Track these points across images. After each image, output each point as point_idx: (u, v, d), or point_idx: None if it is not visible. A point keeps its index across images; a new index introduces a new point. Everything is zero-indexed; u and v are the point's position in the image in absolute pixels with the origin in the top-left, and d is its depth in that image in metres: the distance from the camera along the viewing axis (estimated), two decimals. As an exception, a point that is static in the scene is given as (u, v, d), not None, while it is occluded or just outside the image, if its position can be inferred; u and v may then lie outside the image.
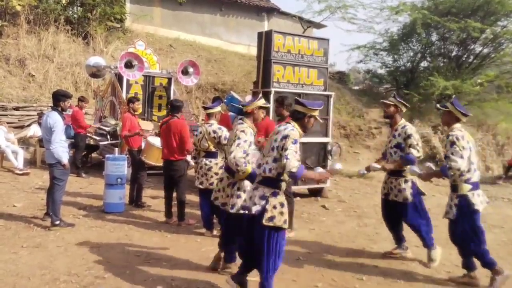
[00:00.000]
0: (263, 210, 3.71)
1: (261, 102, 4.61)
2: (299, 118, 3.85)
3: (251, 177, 4.18)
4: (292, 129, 3.76)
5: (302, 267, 5.01)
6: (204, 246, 5.51)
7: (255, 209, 3.73)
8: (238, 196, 4.28)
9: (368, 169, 5.44)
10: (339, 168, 4.15)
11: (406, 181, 5.17)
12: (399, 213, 5.25)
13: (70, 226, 5.95)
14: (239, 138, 4.27)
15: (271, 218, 3.70)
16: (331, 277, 4.77)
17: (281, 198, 3.79)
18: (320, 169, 4.33)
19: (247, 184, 4.34)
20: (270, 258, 3.74)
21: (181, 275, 4.56)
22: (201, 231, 6.09)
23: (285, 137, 3.69)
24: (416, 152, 5.08)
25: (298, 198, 8.08)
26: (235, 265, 4.52)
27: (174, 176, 6.41)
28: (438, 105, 4.84)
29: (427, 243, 5.21)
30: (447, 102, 4.70)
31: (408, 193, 5.12)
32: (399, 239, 5.50)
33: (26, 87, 13.52)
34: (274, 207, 3.72)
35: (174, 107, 6.51)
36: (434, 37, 18.74)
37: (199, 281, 4.43)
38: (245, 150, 4.23)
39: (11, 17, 14.96)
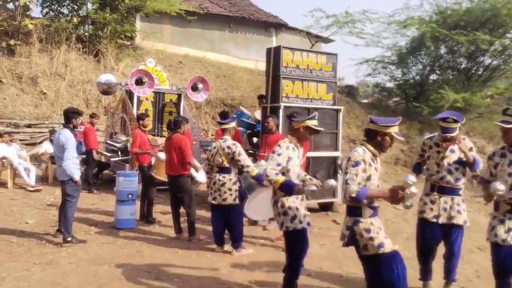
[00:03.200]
0: (355, 241, 3.58)
1: (312, 122, 4.33)
2: (371, 136, 3.65)
3: (283, 187, 4.09)
4: (355, 150, 3.63)
5: (314, 284, 4.97)
6: (215, 262, 5.49)
7: (344, 242, 3.66)
8: (285, 214, 4.22)
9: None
10: (332, 184, 4.11)
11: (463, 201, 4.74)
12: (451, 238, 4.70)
13: (82, 243, 5.98)
14: (273, 152, 4.22)
15: (365, 247, 3.54)
16: (341, 281, 4.71)
17: (365, 224, 3.55)
18: (332, 181, 4.18)
19: (291, 199, 4.25)
20: None
21: (193, 291, 4.55)
22: (212, 247, 6.07)
23: (348, 159, 3.59)
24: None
25: (308, 213, 8.02)
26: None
27: (176, 192, 6.45)
28: (499, 123, 4.14)
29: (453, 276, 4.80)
30: (507, 117, 4.16)
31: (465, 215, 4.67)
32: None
33: (38, 104, 13.71)
34: (361, 236, 3.54)
35: (175, 123, 6.63)
36: (442, 50, 18.72)
37: (210, 298, 4.41)
38: (278, 163, 4.11)
39: (24, 36, 15.25)
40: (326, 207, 8.67)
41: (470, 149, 4.62)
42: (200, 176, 7.23)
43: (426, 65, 19.46)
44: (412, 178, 3.51)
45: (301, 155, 4.44)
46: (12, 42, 14.75)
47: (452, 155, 4.68)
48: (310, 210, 8.38)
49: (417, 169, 5.17)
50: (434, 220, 4.68)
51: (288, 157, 4.17)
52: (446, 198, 4.68)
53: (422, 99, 18.34)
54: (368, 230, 3.52)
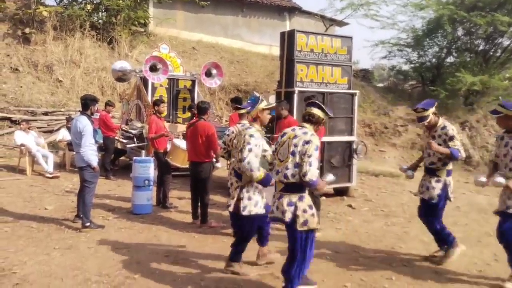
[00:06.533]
0: (294, 216, 3.74)
1: (263, 104, 4.58)
2: (317, 122, 3.87)
3: (265, 181, 4.25)
4: (312, 134, 3.74)
5: (330, 267, 4.99)
6: (231, 246, 5.53)
7: (287, 217, 3.75)
8: (249, 198, 4.41)
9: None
10: (331, 179, 4.09)
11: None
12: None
13: (100, 228, 6.07)
14: (249, 144, 4.24)
15: (305, 223, 3.75)
16: (359, 277, 4.73)
17: (308, 200, 3.82)
18: (330, 176, 4.15)
19: (256, 186, 4.45)
20: (301, 264, 3.86)
21: (210, 275, 4.61)
22: (227, 232, 6.12)
23: (308, 142, 3.67)
24: None
25: (323, 198, 8.04)
26: (239, 265, 4.69)
27: (199, 178, 6.46)
28: (490, 112, 4.73)
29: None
30: (497, 107, 4.61)
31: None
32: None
33: (54, 92, 13.87)
34: (304, 211, 3.76)
35: (200, 109, 6.54)
36: (460, 32, 18.37)
37: (227, 281, 4.46)
38: (257, 154, 4.25)
39: (39, 24, 15.37)
40: (341, 192, 8.65)
41: (451, 139, 4.89)
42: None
43: (443, 47, 19.14)
44: (330, 176, 4.05)
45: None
46: (27, 30, 14.89)
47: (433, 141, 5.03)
48: (326, 195, 8.41)
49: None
50: (419, 195, 5.29)
51: (261, 145, 4.37)
52: (426, 177, 5.19)
53: (439, 82, 18.08)
54: (311, 207, 3.82)
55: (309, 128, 3.80)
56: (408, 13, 18.50)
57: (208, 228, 6.34)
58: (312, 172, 3.61)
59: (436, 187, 5.03)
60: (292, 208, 3.75)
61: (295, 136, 3.76)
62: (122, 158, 11.01)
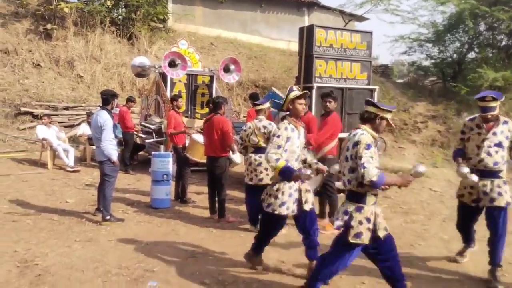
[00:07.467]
0: (348, 226, 3.53)
1: (292, 94, 4.32)
2: (370, 119, 3.60)
3: (282, 173, 4.08)
4: (362, 133, 3.50)
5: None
6: (249, 242, 5.51)
7: (337, 224, 3.60)
8: (276, 197, 4.23)
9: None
10: (422, 171, 3.63)
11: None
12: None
13: (120, 221, 6.15)
14: (273, 135, 4.21)
15: (358, 235, 3.50)
16: (377, 274, 4.67)
17: (367, 213, 3.52)
18: (421, 167, 3.77)
19: (288, 185, 4.23)
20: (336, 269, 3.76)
21: (228, 269, 4.63)
22: (245, 227, 6.14)
23: (356, 143, 3.46)
24: None
25: (341, 194, 7.98)
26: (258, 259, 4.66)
27: (215, 173, 6.49)
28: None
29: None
30: None
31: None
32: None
33: (75, 87, 14.06)
34: (360, 223, 3.50)
35: (216, 104, 6.58)
36: (482, 27, 17.98)
37: (245, 276, 4.47)
38: (279, 145, 4.11)
39: (60, 21, 15.58)
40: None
41: None
42: (237, 157, 7.26)
43: (464, 43, 18.75)
44: (422, 167, 3.57)
45: (302, 136, 4.37)
46: (48, 26, 15.11)
47: (494, 137, 4.52)
48: (343, 191, 8.34)
49: (458, 155, 4.80)
50: (473, 204, 4.63)
51: (287, 138, 4.15)
52: (485, 182, 4.52)
53: (460, 78, 17.74)
54: (368, 220, 3.52)
55: (363, 128, 3.57)
56: (428, 8, 18.15)
57: (226, 223, 6.37)
58: (368, 173, 3.33)
59: (507, 190, 4.52)
60: (347, 217, 3.54)
61: (348, 140, 3.60)
62: (141, 152, 11.12)
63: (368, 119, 3.59)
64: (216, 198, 6.55)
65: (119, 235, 5.64)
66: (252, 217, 6.07)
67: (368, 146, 3.41)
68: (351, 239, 3.51)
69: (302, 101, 4.32)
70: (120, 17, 16.96)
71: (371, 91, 8.34)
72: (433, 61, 19.85)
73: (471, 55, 19.17)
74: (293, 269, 4.63)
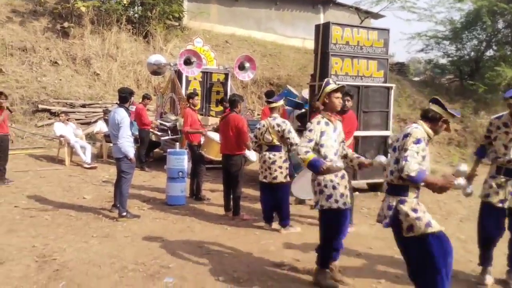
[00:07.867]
0: (398, 222, 3.38)
1: (329, 88, 4.12)
2: (434, 119, 3.45)
3: (311, 166, 3.95)
4: (416, 127, 3.39)
5: (363, 264, 4.93)
6: (263, 239, 5.56)
7: (384, 222, 3.47)
8: (321, 192, 4.06)
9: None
10: (463, 170, 3.50)
11: None
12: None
13: (136, 218, 6.21)
14: (306, 129, 4.13)
15: (410, 228, 3.34)
16: (394, 274, 4.65)
17: (411, 204, 3.36)
18: (382, 158, 3.91)
19: (329, 178, 4.04)
20: (431, 272, 3.34)
21: (242, 266, 4.63)
22: (259, 225, 6.14)
23: (406, 135, 3.33)
24: None
25: (357, 193, 7.95)
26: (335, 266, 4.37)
27: (231, 171, 6.50)
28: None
29: None
30: None
31: None
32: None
33: (91, 85, 14.22)
34: (407, 216, 3.34)
35: (231, 102, 6.59)
36: (500, 25, 17.72)
37: (260, 273, 4.47)
38: (310, 139, 4.00)
39: (77, 18, 15.76)
40: (375, 187, 8.53)
41: None
42: (252, 155, 7.27)
43: (482, 40, 18.49)
44: (464, 167, 3.39)
45: (339, 130, 4.24)
46: (66, 24, 15.29)
47: None
48: (359, 190, 8.32)
49: (481, 152, 4.72)
50: (500, 205, 4.33)
51: (320, 132, 4.03)
52: None
53: (477, 76, 17.51)
54: (415, 210, 3.34)
55: (420, 123, 3.45)
56: (446, 5, 17.96)
57: (241, 220, 6.38)
58: (409, 167, 3.17)
59: None
60: (391, 212, 3.40)
61: (401, 131, 3.49)
62: (156, 150, 11.20)
63: (431, 118, 3.45)
64: (231, 196, 6.58)
65: (135, 231, 5.69)
66: (266, 215, 6.08)
67: (418, 141, 3.28)
68: (405, 234, 3.37)
69: (338, 94, 4.16)
70: (136, 15, 17.08)
71: (388, 89, 8.27)
72: (450, 59, 19.63)
73: (489, 53, 18.92)
74: (308, 267, 4.62)
